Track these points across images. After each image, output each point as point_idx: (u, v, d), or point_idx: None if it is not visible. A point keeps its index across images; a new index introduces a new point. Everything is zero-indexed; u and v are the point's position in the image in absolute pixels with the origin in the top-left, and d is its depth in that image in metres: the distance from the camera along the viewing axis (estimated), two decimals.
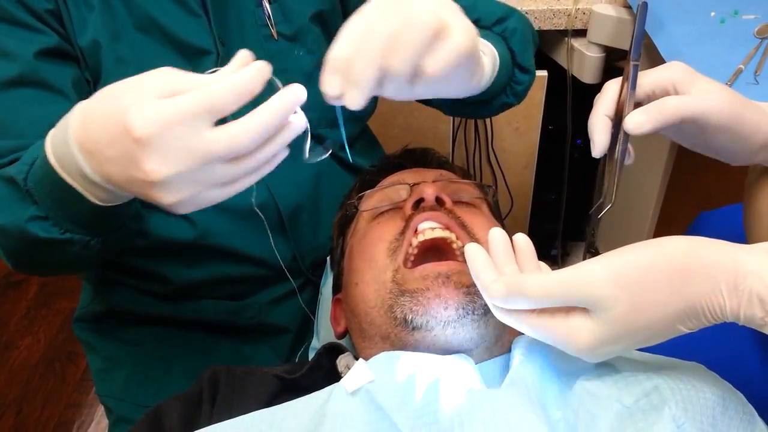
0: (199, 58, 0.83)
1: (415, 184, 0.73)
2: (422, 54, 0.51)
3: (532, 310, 0.52)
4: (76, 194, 0.57)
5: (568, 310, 0.50)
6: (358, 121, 1.01)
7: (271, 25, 0.87)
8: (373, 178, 0.85)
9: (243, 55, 0.52)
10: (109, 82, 0.73)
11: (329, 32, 0.91)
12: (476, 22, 0.81)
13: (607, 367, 0.58)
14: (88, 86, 0.81)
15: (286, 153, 0.54)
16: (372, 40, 0.50)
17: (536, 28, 1.26)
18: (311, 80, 0.89)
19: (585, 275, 0.48)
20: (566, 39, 1.30)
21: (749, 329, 0.47)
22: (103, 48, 0.78)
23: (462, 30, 0.52)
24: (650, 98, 0.60)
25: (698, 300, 0.47)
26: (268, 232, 0.90)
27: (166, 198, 0.52)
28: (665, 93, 0.59)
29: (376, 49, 0.50)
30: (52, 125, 0.58)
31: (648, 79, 0.60)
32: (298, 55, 0.89)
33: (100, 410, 1.69)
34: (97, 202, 0.58)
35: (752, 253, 0.46)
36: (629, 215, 1.52)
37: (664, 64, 0.60)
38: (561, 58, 1.35)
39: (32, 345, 1.86)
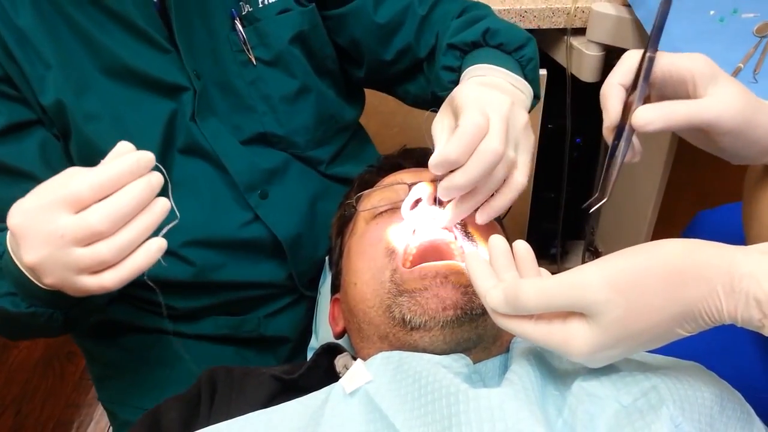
0: (176, 95, 0.80)
1: (413, 184, 0.73)
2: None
3: (530, 316, 0.51)
4: (27, 278, 0.62)
5: (566, 315, 0.50)
6: (345, 131, 0.99)
7: (248, 50, 0.83)
8: (372, 179, 0.85)
9: (119, 147, 0.57)
10: (81, 139, 0.75)
11: (311, 51, 0.88)
12: (500, 46, 0.82)
13: (604, 367, 0.58)
14: (59, 141, 0.78)
15: (160, 243, 0.58)
16: (476, 168, 0.62)
17: (535, 27, 1.27)
18: (295, 105, 0.87)
19: (581, 280, 0.48)
20: (565, 38, 1.29)
21: (748, 330, 0.47)
22: (68, 107, 0.75)
23: (525, 164, 0.67)
24: (664, 81, 0.58)
25: (695, 303, 0.46)
26: (266, 259, 0.90)
27: (46, 280, 0.57)
28: (681, 81, 0.57)
29: (472, 178, 0.62)
30: None
31: (668, 61, 0.58)
32: (279, 80, 0.86)
33: (99, 410, 1.69)
34: (43, 286, 0.62)
35: (748, 254, 0.46)
36: (629, 213, 1.52)
37: (688, 54, 0.58)
38: (560, 57, 1.35)
39: (31, 344, 1.86)
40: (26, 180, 0.71)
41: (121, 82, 0.77)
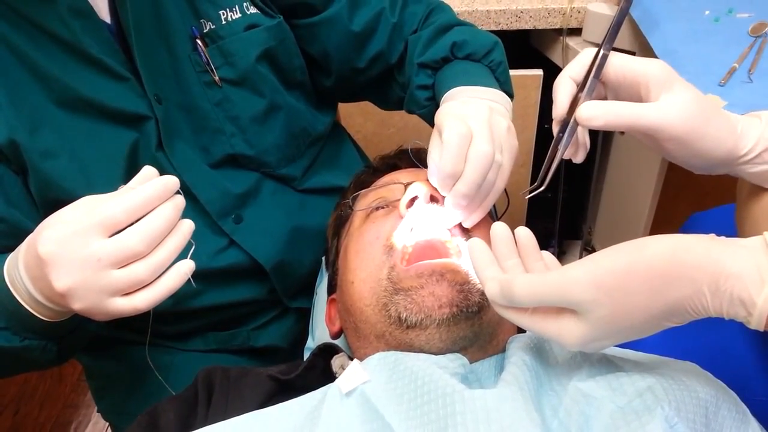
0: (137, 124, 0.77)
1: (409, 184, 0.73)
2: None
3: (526, 309, 0.53)
4: (27, 311, 0.62)
5: (559, 309, 0.52)
6: (318, 141, 0.97)
7: (212, 71, 0.80)
8: (368, 179, 0.86)
9: (145, 171, 0.60)
10: (39, 177, 0.73)
11: (279, 66, 0.86)
12: (469, 56, 0.84)
13: (600, 367, 0.58)
14: (18, 175, 0.74)
15: (190, 265, 0.60)
16: (473, 173, 0.66)
17: (531, 27, 1.27)
18: (265, 124, 0.86)
19: (569, 280, 0.50)
20: (561, 38, 1.30)
21: (744, 330, 0.48)
22: (22, 146, 0.71)
23: (507, 168, 0.71)
24: (618, 82, 0.58)
25: (680, 302, 0.47)
26: (246, 280, 0.89)
27: (75, 305, 0.58)
28: (634, 83, 0.58)
29: (472, 182, 0.67)
30: None
31: (621, 62, 0.58)
32: (247, 100, 0.83)
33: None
34: (45, 319, 0.63)
35: (736, 254, 0.46)
36: (626, 214, 1.52)
37: (645, 58, 0.59)
38: (556, 57, 1.35)
39: None
40: None
41: (77, 115, 0.73)
